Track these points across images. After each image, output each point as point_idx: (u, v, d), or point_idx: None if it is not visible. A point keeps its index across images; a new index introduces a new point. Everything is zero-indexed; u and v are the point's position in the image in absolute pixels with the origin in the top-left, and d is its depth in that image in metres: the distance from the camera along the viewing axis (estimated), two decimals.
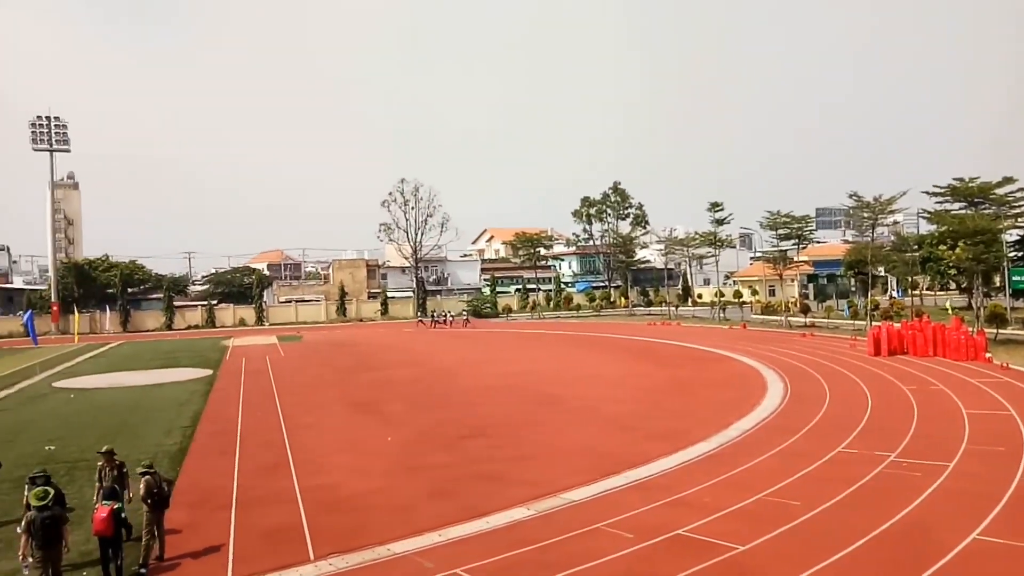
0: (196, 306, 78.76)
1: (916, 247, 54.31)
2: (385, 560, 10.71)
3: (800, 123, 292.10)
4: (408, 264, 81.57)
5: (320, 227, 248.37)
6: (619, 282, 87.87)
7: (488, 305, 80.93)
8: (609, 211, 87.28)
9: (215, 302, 79.52)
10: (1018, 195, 57.42)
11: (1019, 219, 57.31)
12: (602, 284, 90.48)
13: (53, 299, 70.89)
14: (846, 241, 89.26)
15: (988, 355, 28.67)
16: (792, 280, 73.19)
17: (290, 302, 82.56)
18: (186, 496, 13.93)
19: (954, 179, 59.16)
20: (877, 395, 22.38)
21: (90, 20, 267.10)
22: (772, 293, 74.76)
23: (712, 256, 69.41)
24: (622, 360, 35.21)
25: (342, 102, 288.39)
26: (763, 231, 60.40)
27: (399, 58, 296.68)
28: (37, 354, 46.88)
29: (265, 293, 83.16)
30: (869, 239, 54.70)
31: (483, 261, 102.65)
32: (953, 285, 61.17)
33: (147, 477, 10.97)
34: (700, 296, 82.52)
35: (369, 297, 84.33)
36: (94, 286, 74.63)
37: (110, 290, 73.51)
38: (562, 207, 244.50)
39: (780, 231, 57.47)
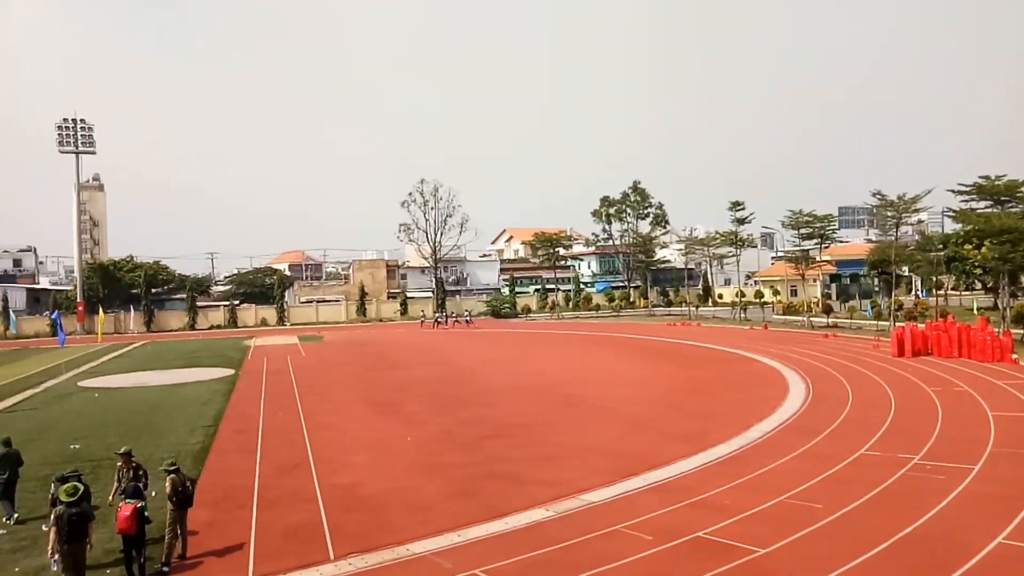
0: (219, 306, 79.66)
1: (941, 246, 53.43)
2: (404, 560, 10.76)
3: (823, 120, 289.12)
4: (428, 264, 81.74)
5: (341, 228, 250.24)
6: (639, 282, 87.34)
7: (507, 305, 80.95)
8: (629, 210, 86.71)
9: (237, 302, 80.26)
10: None
11: None
12: (621, 284, 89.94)
13: (79, 299, 71.88)
14: (869, 240, 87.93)
15: (1015, 356, 28.20)
16: (814, 280, 72.32)
17: (311, 302, 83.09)
18: (208, 494, 14.08)
19: (980, 177, 58.23)
20: (901, 397, 22.09)
21: (114, 21, 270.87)
22: (794, 293, 74.05)
23: (733, 256, 68.73)
24: (642, 361, 35.07)
25: (364, 102, 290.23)
26: (785, 230, 59.61)
27: (421, 59, 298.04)
28: (63, 354, 47.58)
29: (286, 293, 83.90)
30: (893, 238, 53.77)
31: (502, 261, 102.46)
32: (979, 285, 60.20)
33: (172, 475, 11.11)
34: (721, 296, 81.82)
35: (389, 297, 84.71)
36: (119, 286, 75.59)
37: (134, 290, 74.43)
38: (582, 207, 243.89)
39: (802, 230, 56.68)
